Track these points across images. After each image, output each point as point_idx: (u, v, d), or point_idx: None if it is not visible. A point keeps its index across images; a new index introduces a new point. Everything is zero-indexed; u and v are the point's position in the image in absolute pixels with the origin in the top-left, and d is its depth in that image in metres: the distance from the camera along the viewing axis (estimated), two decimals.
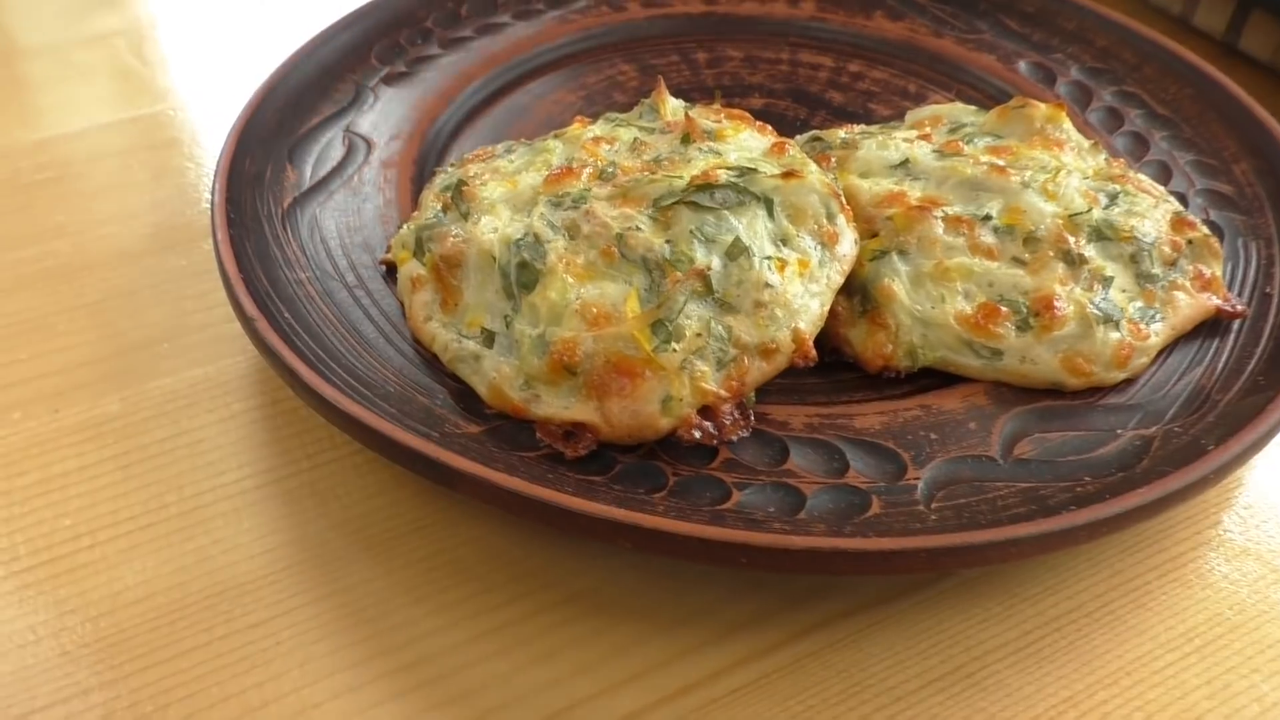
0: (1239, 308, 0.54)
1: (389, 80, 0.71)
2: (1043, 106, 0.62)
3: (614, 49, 0.77)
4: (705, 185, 0.49)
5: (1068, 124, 0.62)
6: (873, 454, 0.48)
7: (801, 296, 0.49)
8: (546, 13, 0.79)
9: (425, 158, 0.66)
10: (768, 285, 0.48)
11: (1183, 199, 0.63)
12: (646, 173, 0.51)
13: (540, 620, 0.45)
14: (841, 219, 0.52)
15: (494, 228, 0.51)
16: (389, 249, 0.57)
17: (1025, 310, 0.51)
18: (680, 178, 0.50)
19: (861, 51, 0.77)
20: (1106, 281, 0.52)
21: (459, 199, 0.53)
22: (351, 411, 0.46)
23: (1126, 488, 0.45)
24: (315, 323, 0.52)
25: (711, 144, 0.54)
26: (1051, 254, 0.53)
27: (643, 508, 0.43)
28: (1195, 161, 0.66)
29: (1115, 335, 0.51)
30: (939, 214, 0.54)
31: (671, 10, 0.80)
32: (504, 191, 0.53)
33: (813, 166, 0.54)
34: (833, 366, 0.53)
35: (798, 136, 0.63)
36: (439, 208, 0.54)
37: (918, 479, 0.47)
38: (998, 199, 0.55)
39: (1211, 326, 0.54)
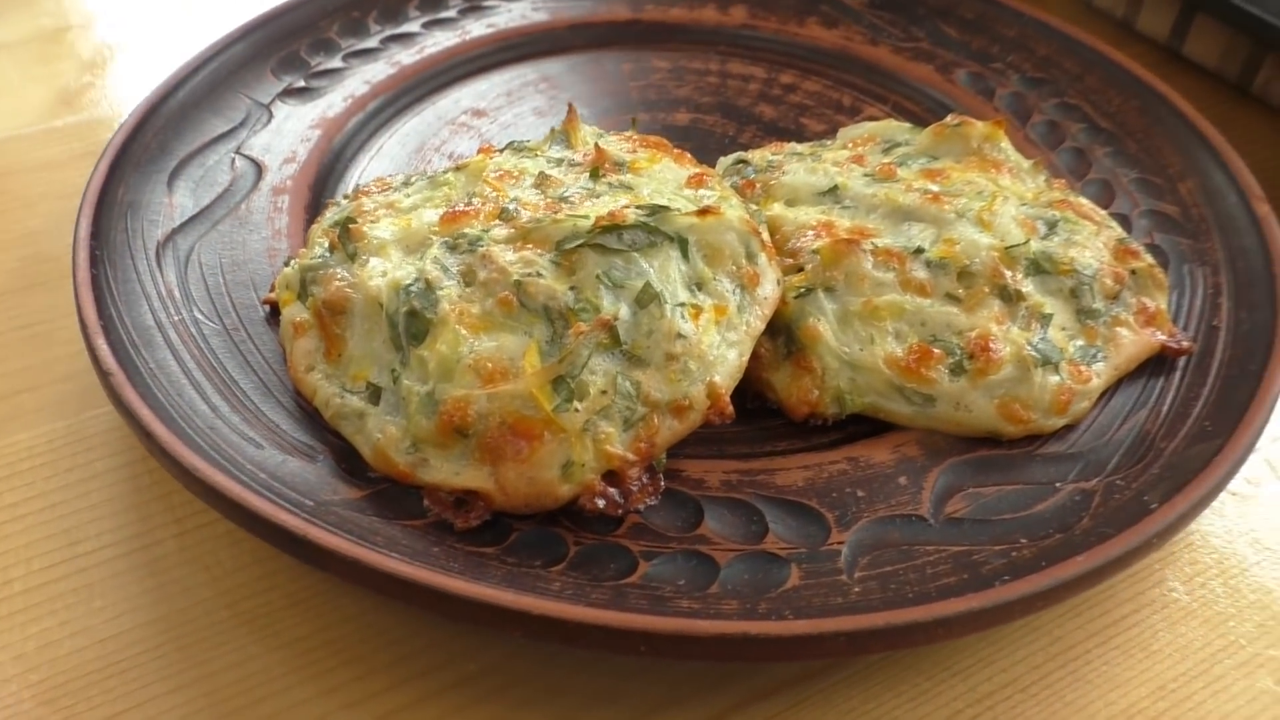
0: (1185, 344, 0.51)
1: (286, 96, 0.66)
2: (980, 125, 0.58)
3: (535, 59, 0.73)
4: (612, 226, 0.45)
5: (1006, 143, 0.58)
6: (794, 514, 0.44)
7: (718, 346, 0.45)
8: (461, 21, 0.74)
9: (323, 183, 0.61)
10: (680, 335, 0.44)
11: (1126, 222, 0.59)
12: (550, 212, 0.47)
13: (430, 708, 0.41)
14: (763, 258, 0.48)
15: (383, 271, 0.46)
16: (273, 288, 0.52)
17: (960, 352, 0.48)
18: (586, 218, 0.46)
19: (794, 61, 0.73)
20: (1045, 319, 0.49)
21: (346, 238, 0.48)
22: (212, 480, 0.41)
23: (1065, 553, 0.41)
24: (185, 373, 0.47)
25: (623, 177, 0.49)
26: (987, 290, 0.49)
27: (535, 587, 0.39)
28: (1139, 180, 0.62)
29: (1055, 378, 0.47)
30: (868, 246, 0.50)
31: (595, 17, 0.75)
32: (396, 231, 0.48)
33: (733, 200, 0.50)
34: (756, 413, 0.49)
35: (722, 159, 0.59)
36: (326, 245, 0.49)
37: (841, 543, 0.43)
38: (931, 230, 0.51)
39: (1156, 364, 0.51)
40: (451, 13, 0.74)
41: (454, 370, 0.42)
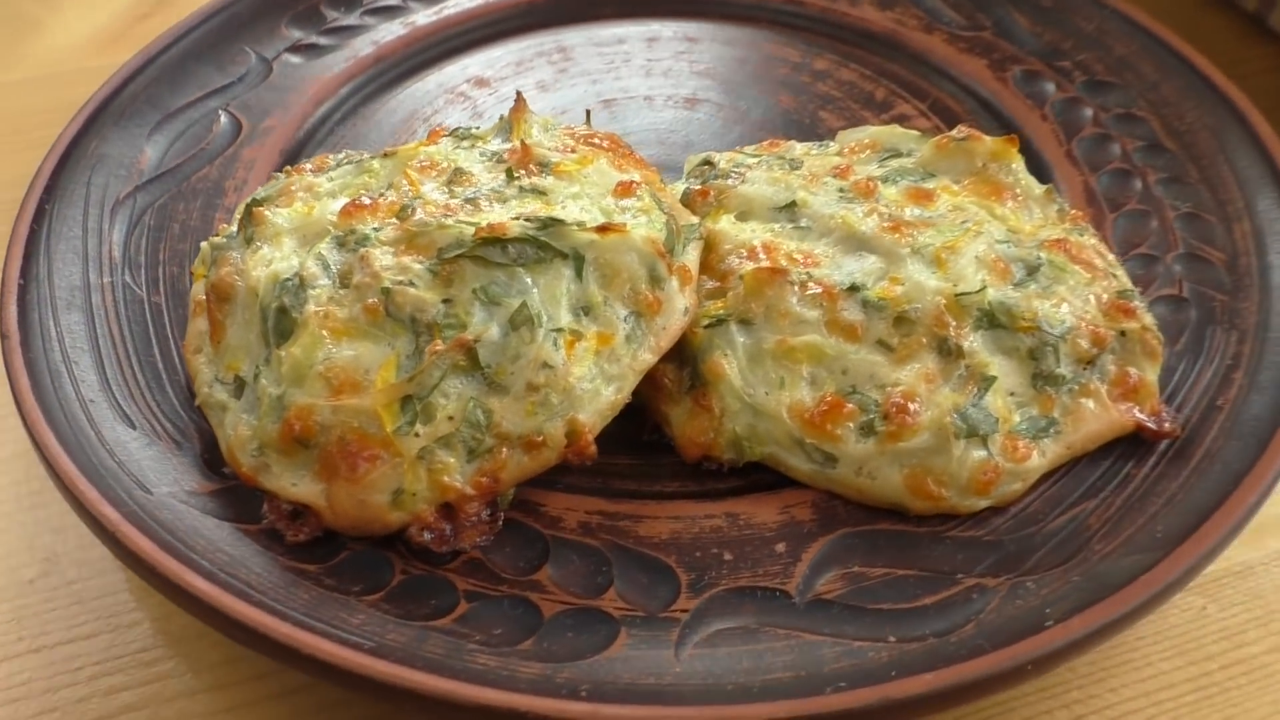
0: (1168, 426, 0.43)
1: (292, 51, 0.64)
2: (988, 141, 0.51)
3: (555, 26, 0.69)
4: (493, 238, 0.41)
5: (1019, 164, 0.51)
6: (647, 571, 0.40)
7: (589, 380, 0.41)
8: None
9: (298, 150, 0.59)
10: (546, 365, 0.40)
11: (1153, 264, 0.51)
12: (443, 215, 0.43)
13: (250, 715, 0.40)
14: (672, 284, 0.44)
15: (269, 260, 0.44)
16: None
17: (875, 410, 0.42)
18: (472, 225, 0.42)
19: (836, 44, 0.67)
20: (985, 383, 0.42)
21: (247, 221, 0.46)
22: (54, 457, 0.41)
23: (925, 664, 0.36)
24: (91, 340, 0.47)
25: (542, 180, 0.46)
26: (925, 341, 0.43)
27: (337, 617, 0.37)
28: (1188, 216, 0.53)
29: (979, 454, 0.41)
30: (797, 278, 0.45)
31: None
32: (295, 219, 0.46)
33: (654, 215, 0.45)
34: (653, 448, 0.45)
35: (690, 158, 0.54)
36: (236, 226, 0.48)
37: (685, 611, 0.39)
38: (882, 264, 0.45)
39: (1131, 444, 0.44)
40: None
41: (305, 376, 0.41)
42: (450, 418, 0.40)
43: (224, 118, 0.60)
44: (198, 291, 0.48)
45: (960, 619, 0.38)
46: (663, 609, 0.39)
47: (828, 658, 0.37)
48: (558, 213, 0.44)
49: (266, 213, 0.46)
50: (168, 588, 0.37)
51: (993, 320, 0.43)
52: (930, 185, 0.50)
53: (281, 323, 0.42)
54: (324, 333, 0.41)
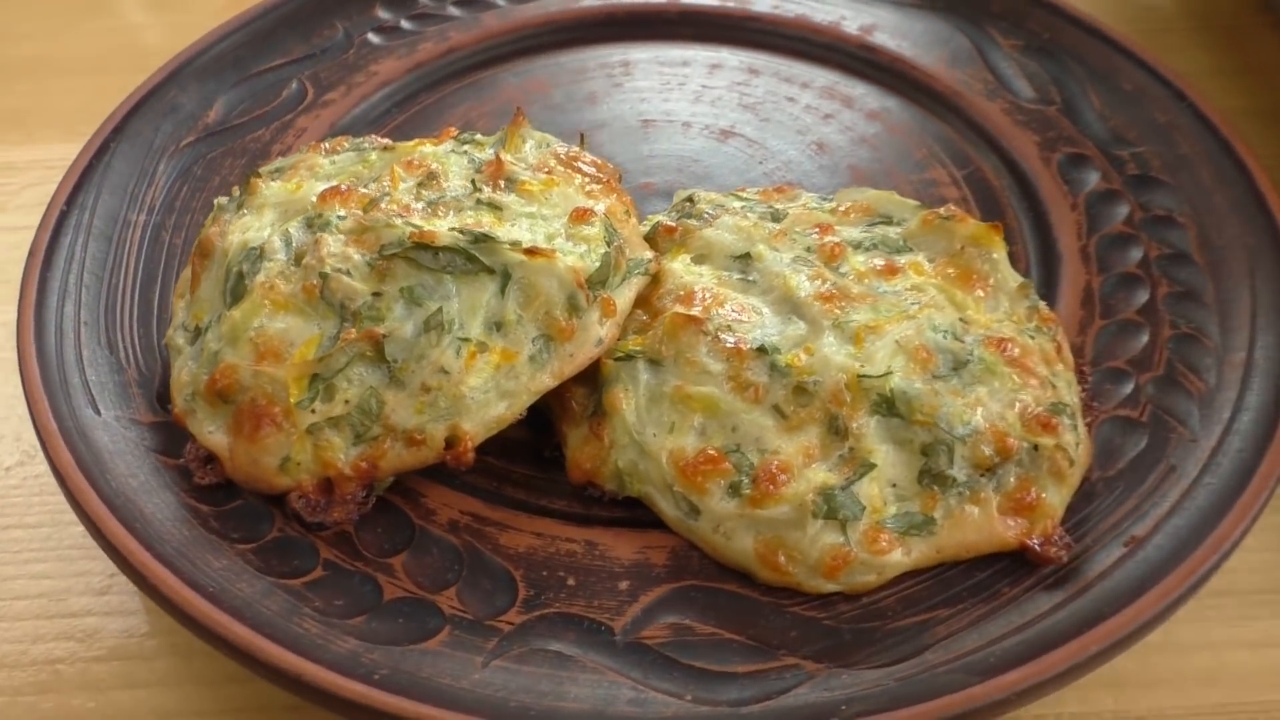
0: (1054, 552, 0.42)
1: (378, 31, 0.69)
2: (971, 224, 0.50)
3: (628, 41, 0.71)
4: (424, 244, 0.45)
5: (999, 253, 0.50)
6: (491, 578, 0.43)
7: (483, 392, 0.44)
8: None
9: (350, 126, 0.64)
10: (443, 370, 0.43)
11: (1124, 380, 0.49)
12: (399, 214, 0.47)
13: None
14: (591, 314, 0.45)
15: (245, 229, 0.49)
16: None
17: (747, 472, 0.43)
18: (413, 228, 0.45)
19: (895, 95, 0.66)
20: (864, 469, 0.42)
21: (243, 188, 0.51)
22: (25, 353, 0.47)
23: None
24: (105, 269, 0.53)
25: (503, 196, 0.48)
26: (817, 415, 0.43)
27: (200, 559, 0.42)
28: (1186, 336, 0.50)
29: (834, 538, 0.41)
30: (713, 329, 0.45)
31: (711, 9, 0.71)
32: (282, 194, 0.50)
33: (593, 248, 0.47)
34: (554, 463, 0.47)
35: (679, 192, 0.56)
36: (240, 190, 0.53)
37: (510, 625, 0.41)
38: (802, 331, 0.46)
39: (1016, 563, 0.43)
40: None
41: (239, 338, 0.45)
42: (347, 401, 0.43)
43: (294, 85, 0.65)
44: (200, 235, 0.53)
45: (759, 694, 0.38)
46: (491, 617, 0.41)
47: (619, 699, 0.38)
48: (503, 230, 0.46)
49: (260, 184, 0.51)
50: (70, 500, 0.43)
51: (891, 408, 0.43)
52: (902, 260, 0.50)
53: (237, 286, 0.47)
54: (266, 303, 0.45)
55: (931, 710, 0.37)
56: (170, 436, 0.47)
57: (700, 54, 0.69)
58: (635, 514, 0.45)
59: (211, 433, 0.45)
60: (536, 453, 0.48)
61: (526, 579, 0.43)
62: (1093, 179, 0.59)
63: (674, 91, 0.67)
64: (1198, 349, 0.50)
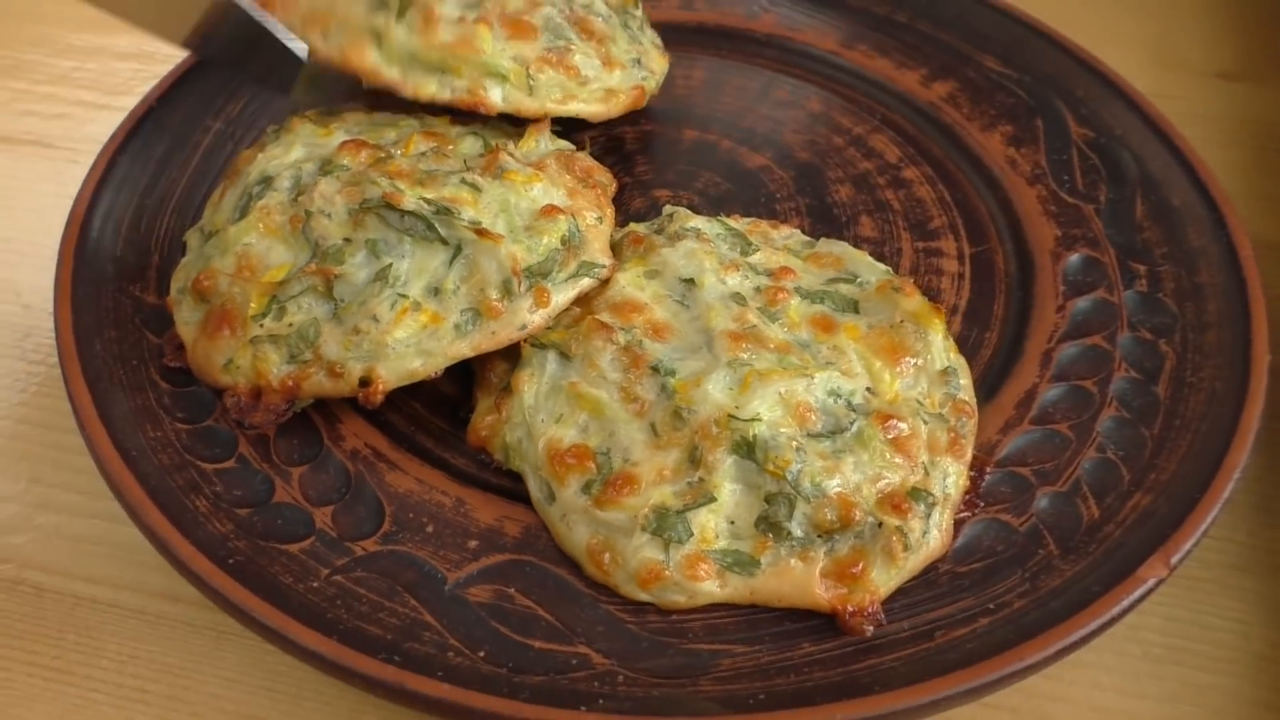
0: (861, 624, 0.45)
1: None
2: (915, 299, 0.53)
3: (712, 54, 0.75)
4: (390, 205, 0.52)
5: (936, 334, 0.53)
6: (367, 507, 0.50)
7: (404, 345, 0.50)
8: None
9: None
10: (374, 317, 0.50)
11: (1024, 490, 0.50)
12: (389, 176, 0.54)
13: None
14: (522, 300, 0.51)
15: (272, 158, 0.57)
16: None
17: (605, 475, 0.48)
18: (392, 189, 0.52)
19: (939, 160, 0.68)
20: (705, 500, 0.47)
21: (283, 125, 0.60)
22: (66, 240, 0.57)
23: (472, 683, 0.42)
24: (166, 164, 0.63)
25: (486, 180, 0.54)
26: (683, 441, 0.48)
27: (144, 427, 0.51)
28: (1107, 462, 0.51)
29: (654, 554, 0.46)
30: (622, 341, 0.51)
31: (799, 36, 0.75)
32: (312, 136, 0.58)
33: (546, 242, 0.52)
34: (465, 424, 0.54)
35: (668, 207, 0.60)
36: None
37: (364, 550, 0.48)
38: (703, 363, 0.50)
39: (827, 624, 0.46)
40: None
41: (229, 250, 0.53)
42: (290, 324, 0.51)
43: None
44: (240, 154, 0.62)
45: (540, 669, 0.44)
46: (351, 539, 0.48)
47: (422, 637, 0.45)
48: (471, 210, 0.53)
49: (297, 121, 0.59)
50: (59, 348, 0.52)
51: (749, 451, 0.47)
52: (841, 319, 0.53)
53: (246, 206, 0.55)
54: (259, 225, 0.54)
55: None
56: (161, 319, 0.56)
57: (773, 80, 0.73)
58: (510, 486, 0.51)
59: (187, 324, 0.54)
60: (455, 411, 0.54)
61: (394, 516, 0.49)
62: (1095, 287, 0.60)
63: (731, 110, 0.71)
64: (1112, 477, 0.51)
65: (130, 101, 0.72)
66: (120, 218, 0.60)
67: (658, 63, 0.67)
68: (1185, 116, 0.75)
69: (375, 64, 0.57)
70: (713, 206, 0.65)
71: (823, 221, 0.65)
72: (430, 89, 0.57)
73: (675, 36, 0.75)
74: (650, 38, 0.69)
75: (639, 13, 0.69)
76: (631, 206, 0.65)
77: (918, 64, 0.73)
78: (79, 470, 0.54)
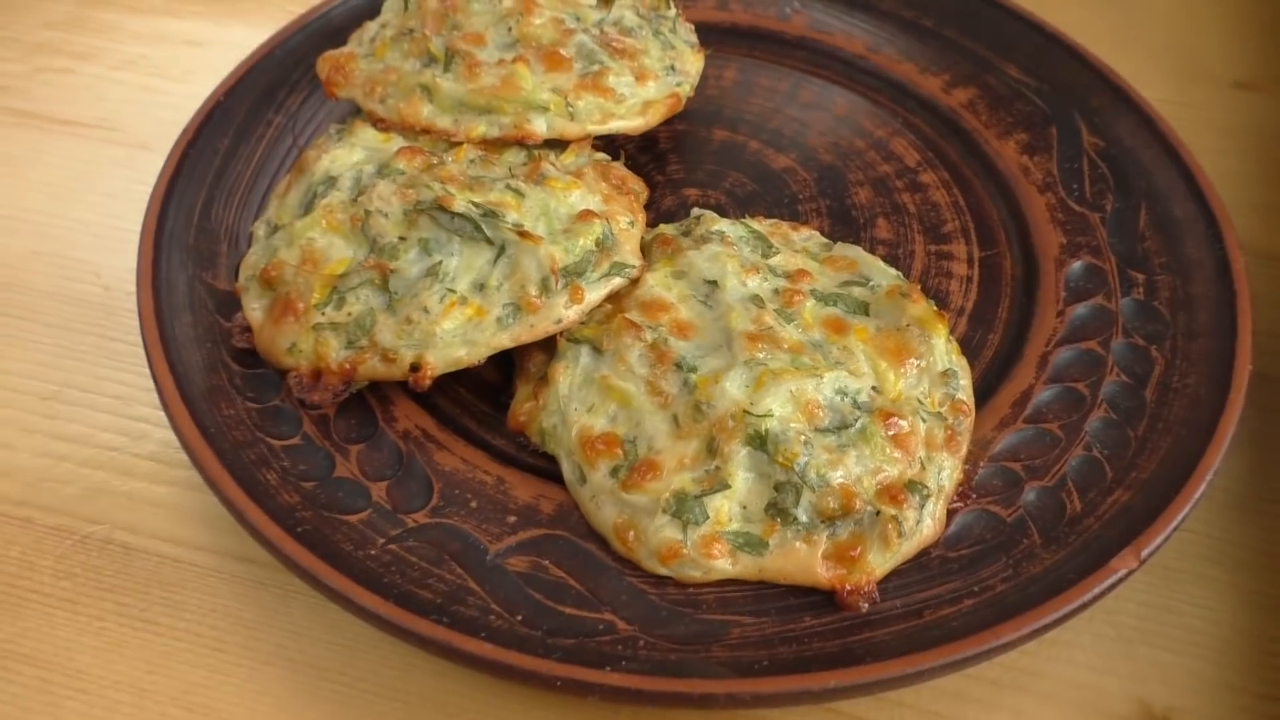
0: (857, 601, 0.51)
1: None
2: (920, 305, 0.58)
3: (745, 55, 0.80)
4: (443, 208, 0.57)
5: (939, 339, 0.58)
6: (418, 483, 0.56)
7: (450, 335, 0.56)
8: None
9: None
10: (425, 309, 0.56)
11: (1013, 484, 0.56)
12: (442, 180, 0.59)
13: None
14: (559, 297, 0.57)
15: (335, 159, 0.63)
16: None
17: (632, 460, 0.54)
18: (443, 193, 0.58)
19: (956, 165, 0.73)
20: (721, 487, 0.52)
21: (346, 127, 0.65)
22: (146, 230, 0.63)
23: (510, 644, 0.48)
24: (238, 155, 0.69)
25: (529, 186, 0.60)
26: (702, 433, 0.54)
27: (217, 405, 0.57)
28: (1095, 461, 0.57)
29: (674, 534, 0.52)
30: (649, 338, 0.56)
31: (828, 39, 0.80)
32: (373, 140, 0.64)
33: (582, 244, 0.58)
34: (506, 408, 0.60)
35: (696, 209, 0.66)
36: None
37: (416, 522, 0.54)
38: (723, 361, 0.56)
39: (826, 600, 0.52)
40: None
41: (295, 243, 0.59)
42: (349, 314, 0.57)
43: None
44: (303, 151, 0.68)
45: (570, 632, 0.50)
46: (404, 512, 0.54)
47: (467, 601, 0.51)
48: (514, 214, 0.59)
49: (359, 124, 0.65)
50: (142, 335, 0.59)
51: (762, 444, 0.53)
52: (852, 321, 0.59)
53: (311, 203, 0.61)
54: (323, 221, 0.59)
55: (680, 685, 0.47)
56: (231, 304, 0.62)
57: (801, 81, 0.78)
58: (545, 466, 0.57)
59: (254, 309, 0.60)
60: (496, 396, 0.60)
61: (442, 492, 0.56)
62: (1095, 294, 0.64)
63: (760, 111, 0.76)
64: (1095, 475, 0.56)
65: (190, 88, 0.78)
66: (192, 207, 0.66)
67: (692, 63, 0.72)
68: (1199, 125, 0.80)
69: (429, 116, 0.63)
70: (739, 206, 0.70)
71: (842, 223, 0.69)
72: (480, 129, 0.63)
73: (709, 37, 0.79)
74: (684, 36, 0.74)
75: (671, 13, 0.74)
76: (663, 205, 0.70)
77: (941, 70, 0.78)
78: (158, 441, 0.61)
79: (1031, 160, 0.72)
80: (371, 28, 0.71)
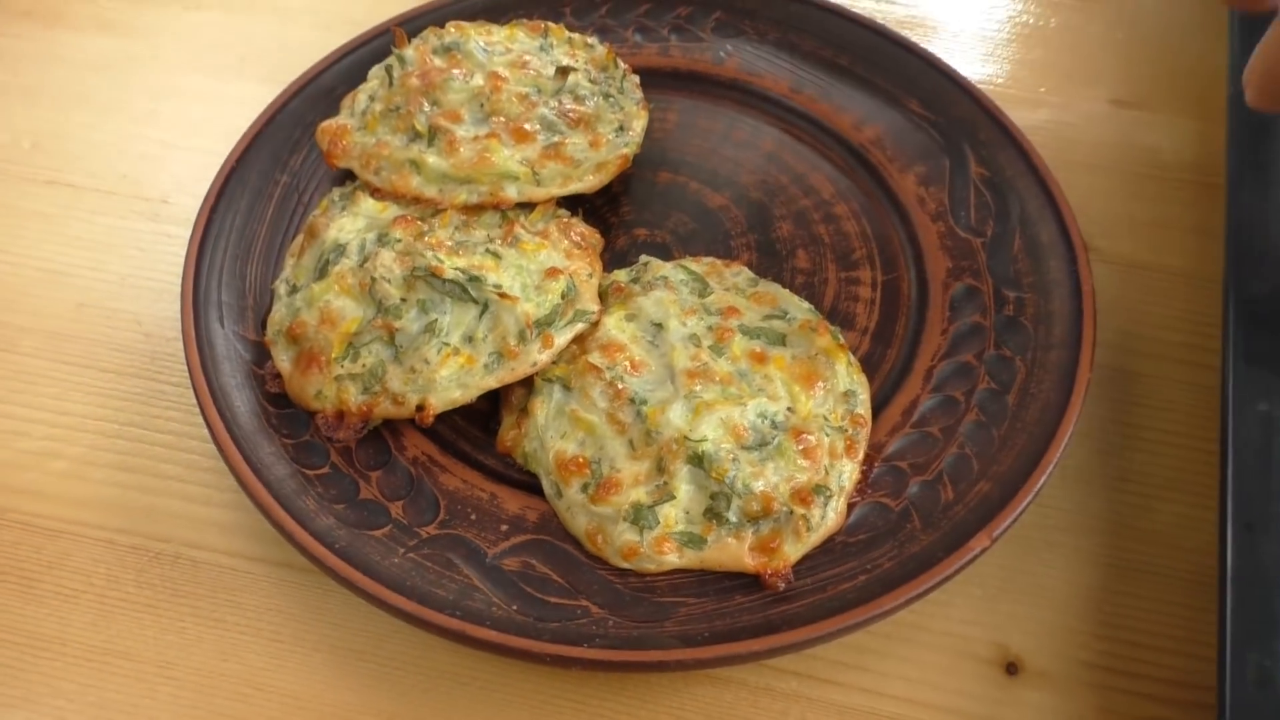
0: (776, 582, 0.67)
1: None
2: (825, 338, 0.73)
3: (696, 96, 0.93)
4: (433, 274, 0.71)
5: (841, 366, 0.73)
6: (427, 500, 0.70)
7: (447, 380, 0.71)
8: (668, 41, 0.96)
9: None
10: (426, 361, 0.71)
11: (900, 477, 0.71)
12: (431, 247, 0.73)
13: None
14: (533, 344, 0.71)
15: (341, 227, 0.77)
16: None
17: (598, 478, 0.69)
18: (435, 261, 0.72)
19: (864, 197, 0.87)
20: (668, 498, 0.67)
21: (348, 195, 0.79)
22: (185, 293, 0.77)
23: (502, 626, 0.64)
24: (253, 215, 0.83)
25: (503, 249, 0.74)
26: (653, 453, 0.69)
27: (260, 444, 0.71)
28: (966, 458, 0.72)
29: (633, 536, 0.67)
30: (609, 377, 0.71)
31: (756, 81, 0.93)
32: (372, 209, 0.77)
33: (549, 299, 0.72)
34: (494, 433, 0.74)
35: (644, 256, 0.80)
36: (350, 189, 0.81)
37: (427, 534, 0.69)
38: (667, 393, 0.70)
39: (754, 582, 0.67)
40: (664, 29, 0.96)
41: (314, 304, 0.73)
42: (364, 365, 0.71)
43: None
44: (313, 216, 0.81)
45: (556, 617, 0.65)
46: (417, 526, 0.69)
47: (474, 596, 0.66)
48: (494, 275, 0.73)
49: (361, 195, 0.78)
50: (192, 385, 0.73)
51: (700, 462, 0.68)
52: (773, 351, 0.74)
53: (324, 268, 0.75)
54: (335, 286, 0.73)
55: (642, 656, 0.63)
56: (260, 353, 0.76)
57: (734, 121, 0.91)
58: (529, 482, 0.72)
59: (283, 360, 0.74)
60: (487, 422, 0.75)
61: (447, 507, 0.70)
62: (973, 313, 0.79)
63: (699, 152, 0.90)
64: (965, 469, 0.72)
65: (202, 142, 0.91)
66: (220, 266, 0.79)
67: (638, 120, 0.85)
68: (1077, 142, 0.94)
69: (418, 187, 0.77)
70: (682, 244, 0.84)
71: (768, 255, 0.84)
72: (462, 197, 0.77)
73: (653, 80, 0.92)
74: (630, 94, 0.87)
75: (619, 71, 0.87)
76: (617, 245, 0.84)
77: (854, 107, 0.91)
78: (210, 470, 0.75)
79: (927, 191, 0.86)
80: (361, 99, 0.83)
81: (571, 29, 0.94)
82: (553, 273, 0.73)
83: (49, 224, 0.88)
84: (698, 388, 0.70)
